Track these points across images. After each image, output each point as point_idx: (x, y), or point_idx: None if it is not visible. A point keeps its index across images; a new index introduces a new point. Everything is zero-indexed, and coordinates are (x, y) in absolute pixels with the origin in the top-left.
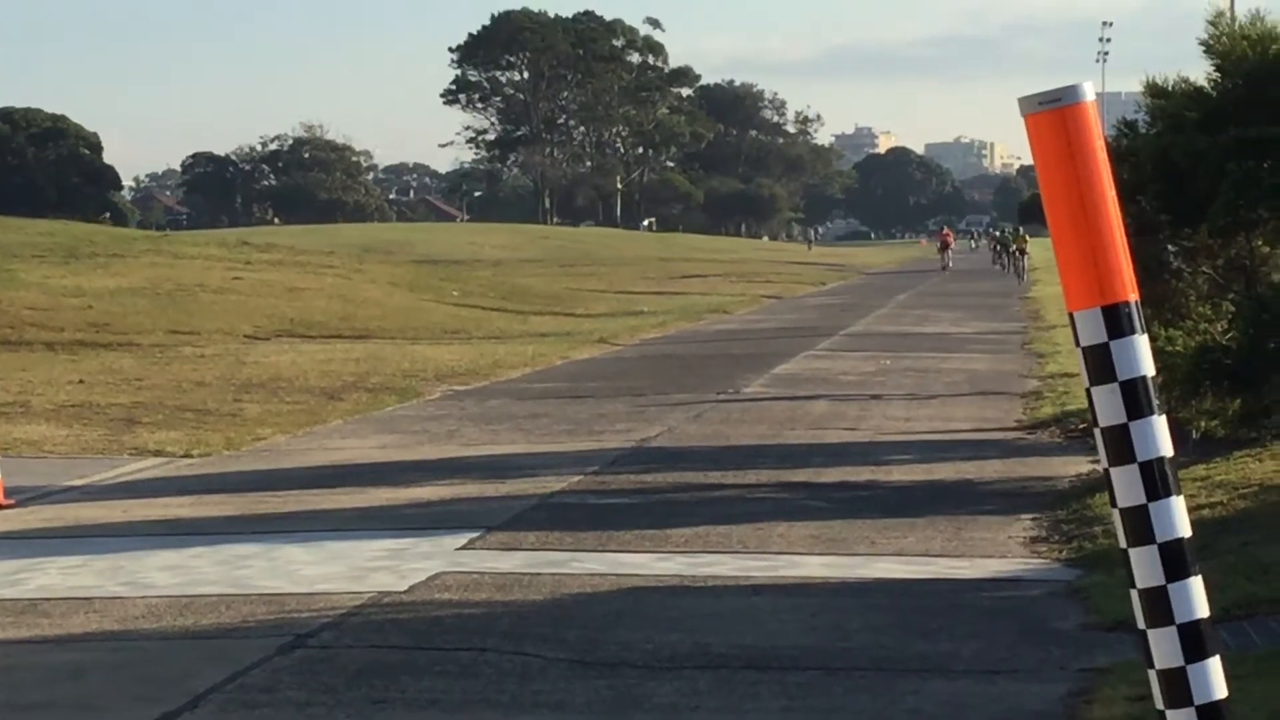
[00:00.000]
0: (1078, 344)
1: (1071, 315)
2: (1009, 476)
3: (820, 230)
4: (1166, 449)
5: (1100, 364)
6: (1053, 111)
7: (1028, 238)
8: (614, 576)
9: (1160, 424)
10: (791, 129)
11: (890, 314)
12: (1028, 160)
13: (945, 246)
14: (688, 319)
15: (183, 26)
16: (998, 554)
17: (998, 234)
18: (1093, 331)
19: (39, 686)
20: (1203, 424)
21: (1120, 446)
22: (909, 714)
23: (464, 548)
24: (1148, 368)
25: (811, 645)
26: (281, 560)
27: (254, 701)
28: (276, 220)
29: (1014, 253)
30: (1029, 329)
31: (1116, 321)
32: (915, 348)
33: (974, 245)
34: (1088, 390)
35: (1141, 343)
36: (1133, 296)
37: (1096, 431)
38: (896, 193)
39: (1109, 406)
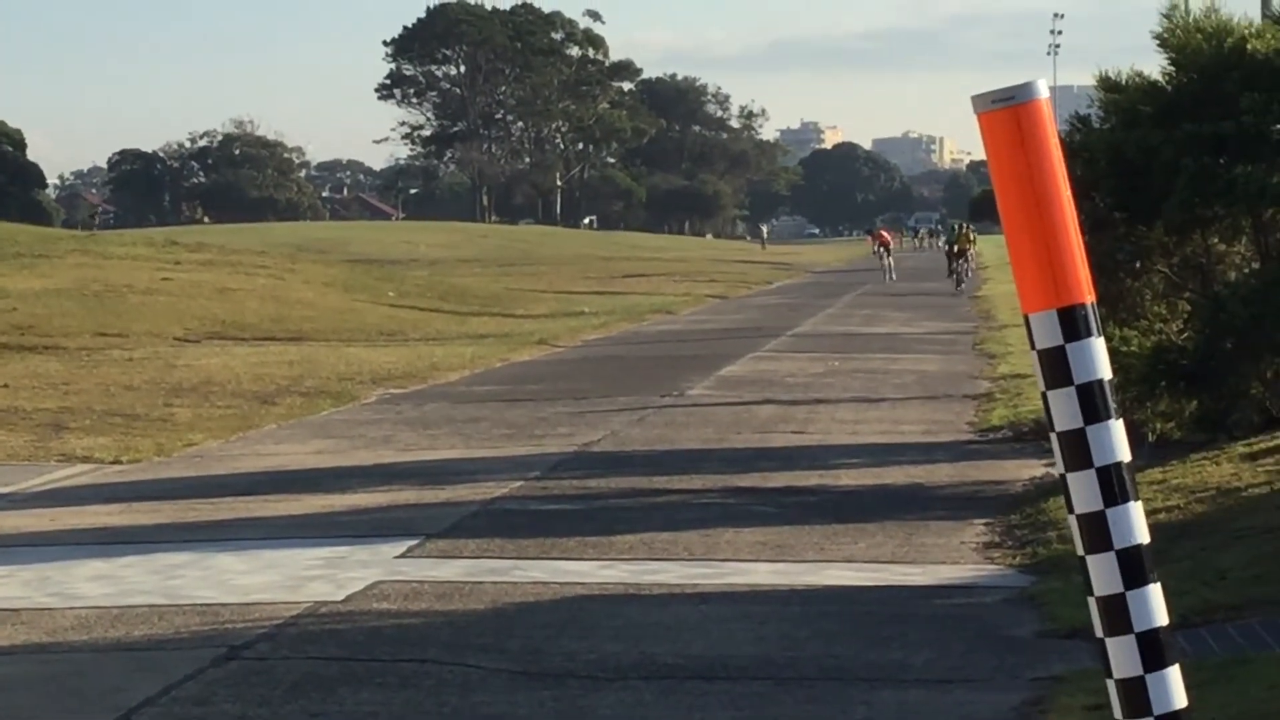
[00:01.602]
0: (1033, 347)
1: (1026, 318)
2: (961, 480)
3: (768, 227)
4: (1124, 454)
5: (1056, 368)
6: (1006, 109)
7: (975, 236)
8: (557, 585)
9: (1118, 428)
10: (735, 124)
11: (838, 313)
12: (978, 155)
13: (884, 247)
14: (630, 320)
15: (110, 21)
16: (950, 560)
17: (947, 236)
18: (1048, 334)
19: None
20: (1159, 426)
21: (1077, 451)
22: None
23: (403, 556)
24: (1105, 371)
25: (760, 655)
26: (215, 570)
27: (187, 715)
28: (206, 219)
29: (954, 253)
30: (980, 329)
31: (1073, 324)
32: (864, 348)
33: (919, 244)
34: (1043, 394)
35: (1098, 346)
36: (1089, 298)
37: (1053, 436)
38: (844, 189)
39: (1065, 411)
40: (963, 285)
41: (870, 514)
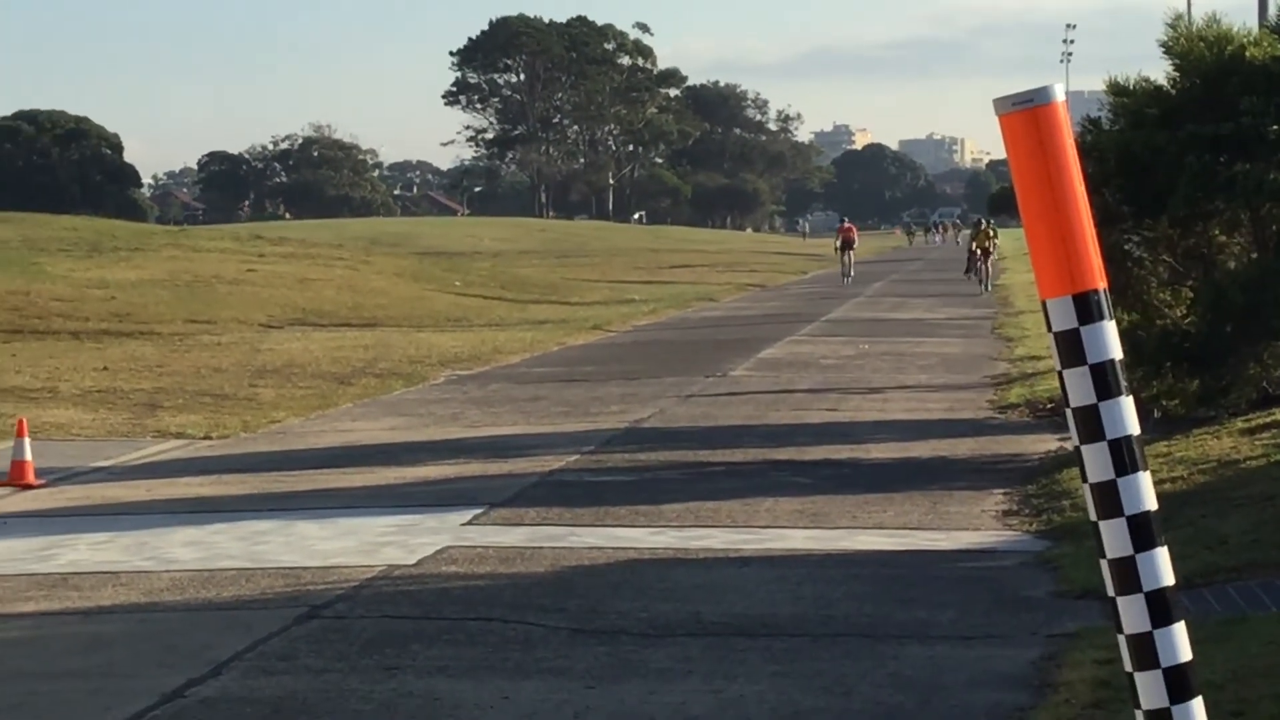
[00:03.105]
0: (1050, 330)
1: (1044, 303)
2: (981, 454)
3: (807, 221)
4: (1134, 428)
5: (1071, 349)
6: (1025, 111)
7: (996, 231)
8: (611, 550)
9: (1128, 404)
10: (773, 127)
11: (867, 301)
12: (997, 155)
13: (847, 245)
14: (677, 306)
15: (200, 33)
16: (972, 527)
17: (972, 230)
18: (1064, 318)
19: (69, 655)
20: (1164, 403)
21: (1090, 426)
22: (890, 677)
23: (469, 523)
24: (1116, 351)
25: (797, 613)
26: (297, 536)
27: (273, 669)
28: (287, 215)
29: (973, 251)
30: (998, 315)
31: (1086, 309)
32: (891, 333)
33: (939, 240)
34: (1059, 373)
35: (1110, 328)
36: (1101, 285)
37: (1068, 412)
38: (873, 187)
39: (1080, 388)
40: (986, 286)
41: (898, 484)
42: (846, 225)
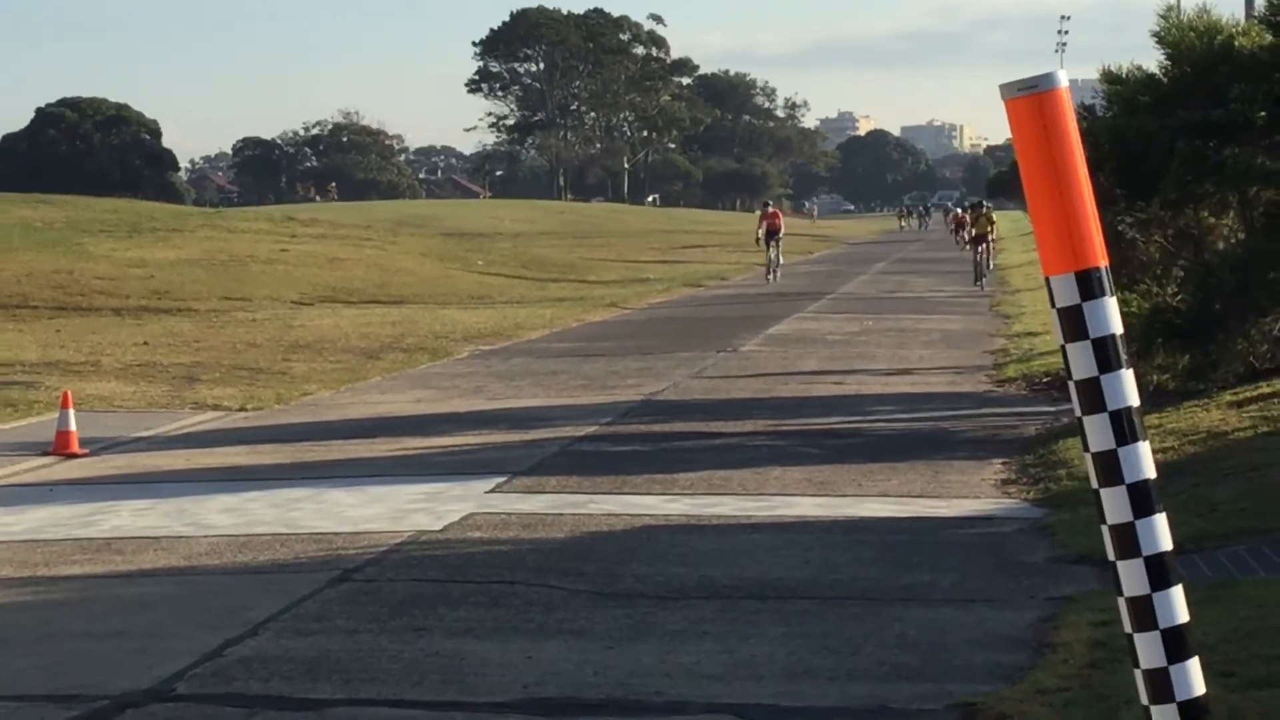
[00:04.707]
0: (1053, 305)
1: (1048, 279)
2: (981, 425)
3: (815, 204)
4: (1134, 399)
5: (1074, 323)
6: (1030, 96)
7: (993, 216)
8: (628, 516)
9: (1128, 377)
10: (781, 114)
11: (871, 280)
12: (994, 141)
13: (772, 234)
14: (689, 285)
15: (233, 23)
16: (972, 495)
17: (971, 213)
18: (1067, 294)
19: (114, 616)
20: (1155, 378)
21: (1092, 397)
22: (895, 638)
23: (492, 491)
24: (1117, 326)
25: (806, 577)
26: (329, 503)
27: (307, 630)
28: (318, 198)
29: (972, 238)
30: (997, 293)
31: (1088, 285)
32: (895, 310)
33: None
34: (1062, 347)
35: (1111, 304)
36: (1103, 262)
37: (1070, 384)
38: (876, 171)
39: (1082, 362)
40: (984, 279)
41: (901, 454)
42: (771, 210)
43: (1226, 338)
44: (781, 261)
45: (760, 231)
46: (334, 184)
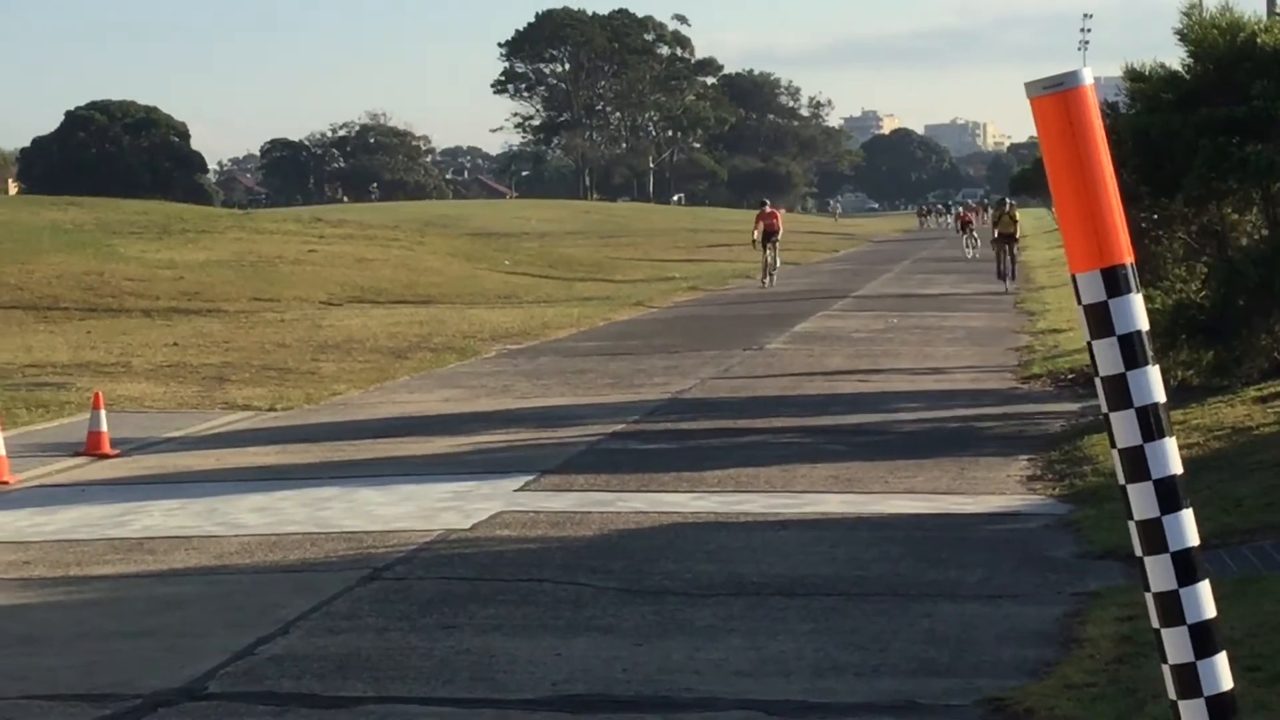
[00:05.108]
0: (1080, 303)
1: (1074, 277)
2: (1006, 422)
3: (838, 203)
4: (1160, 395)
5: (1100, 320)
6: (1056, 95)
7: (1017, 214)
8: (656, 514)
9: (1154, 373)
10: (805, 113)
11: (896, 278)
12: (1018, 139)
13: (770, 235)
14: (715, 283)
15: (260, 26)
16: (998, 491)
17: (994, 212)
18: (1093, 291)
19: (146, 615)
20: (1179, 373)
21: (1119, 394)
22: (923, 634)
23: (521, 489)
24: (1143, 323)
25: (833, 574)
26: (358, 502)
27: (338, 628)
28: (346, 199)
29: (995, 238)
30: (1020, 290)
31: (1114, 282)
32: (919, 307)
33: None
34: (1089, 344)
35: (1137, 301)
36: (1129, 259)
37: (1097, 381)
38: (900, 169)
39: (1108, 358)
40: (1012, 283)
41: (927, 451)
42: (769, 210)
43: (1250, 334)
44: (779, 265)
45: (756, 233)
46: (375, 185)
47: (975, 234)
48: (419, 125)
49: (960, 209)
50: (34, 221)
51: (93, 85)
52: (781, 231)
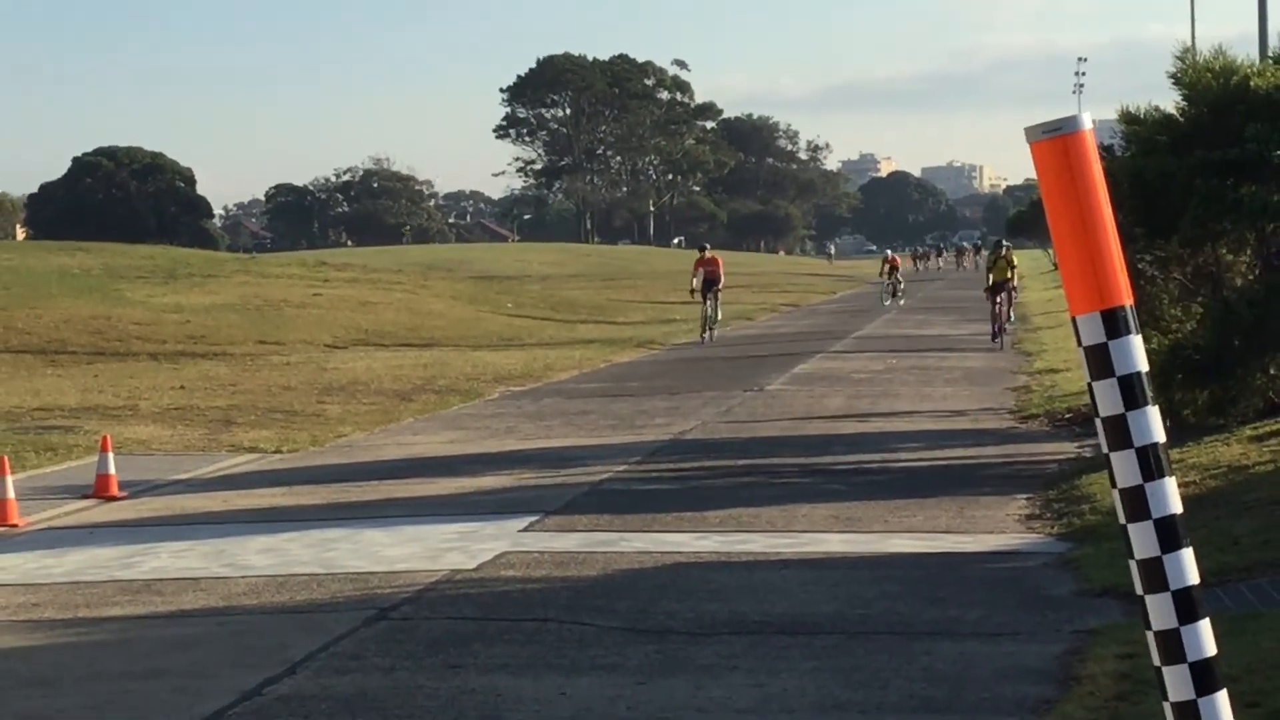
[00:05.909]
0: (1080, 344)
1: (1074, 319)
2: (1005, 461)
3: (834, 245)
4: (1160, 436)
5: (1100, 362)
6: (1055, 139)
7: (1013, 258)
8: (658, 554)
9: (1154, 414)
10: (803, 156)
11: (894, 319)
12: (1013, 181)
13: (710, 284)
14: (716, 326)
15: (265, 72)
16: (997, 530)
17: (990, 254)
18: (1093, 333)
19: (155, 656)
20: (1176, 413)
21: (1119, 434)
22: (922, 671)
23: (525, 530)
24: (1142, 364)
25: (835, 612)
26: (364, 543)
27: (345, 668)
28: (350, 242)
29: (989, 285)
30: (1018, 330)
31: (1114, 324)
32: (917, 348)
33: (957, 264)
34: (1089, 385)
35: (1136, 342)
36: (1128, 301)
37: (1097, 421)
38: (897, 211)
39: (1108, 399)
40: (1003, 336)
41: (927, 490)
42: (708, 255)
43: (1245, 373)
44: (719, 318)
45: (695, 280)
46: (407, 227)
47: (901, 278)
48: (422, 170)
49: (889, 252)
50: (42, 267)
51: (100, 132)
52: (723, 281)
